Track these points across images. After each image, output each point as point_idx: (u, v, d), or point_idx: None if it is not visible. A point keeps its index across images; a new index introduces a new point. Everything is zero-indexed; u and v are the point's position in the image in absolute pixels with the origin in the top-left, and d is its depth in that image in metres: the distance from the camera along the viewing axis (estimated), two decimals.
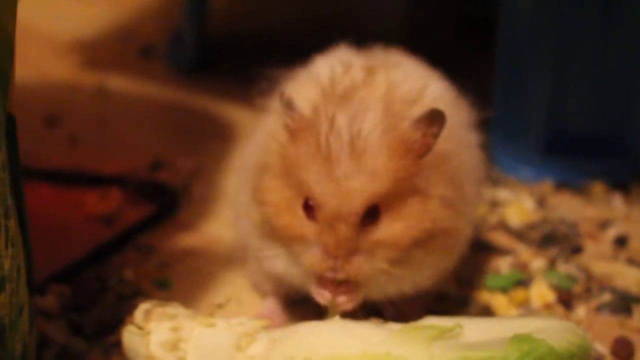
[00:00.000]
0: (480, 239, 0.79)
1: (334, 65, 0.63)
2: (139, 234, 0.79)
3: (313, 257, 0.58)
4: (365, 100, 0.59)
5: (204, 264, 0.76)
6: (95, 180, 0.86)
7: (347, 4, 1.38)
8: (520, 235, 0.80)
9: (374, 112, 0.57)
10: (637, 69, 0.89)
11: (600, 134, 0.90)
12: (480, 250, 0.77)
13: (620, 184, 0.89)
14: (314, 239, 0.57)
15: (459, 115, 0.66)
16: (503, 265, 0.75)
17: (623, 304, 0.69)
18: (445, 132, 0.59)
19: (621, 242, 0.79)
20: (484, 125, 0.69)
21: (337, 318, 0.56)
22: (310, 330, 0.55)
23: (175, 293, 0.71)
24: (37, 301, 0.65)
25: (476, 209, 0.69)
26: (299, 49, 0.67)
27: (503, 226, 0.82)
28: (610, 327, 0.67)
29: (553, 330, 0.54)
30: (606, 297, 0.71)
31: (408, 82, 0.62)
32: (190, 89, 1.10)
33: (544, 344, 0.52)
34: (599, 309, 0.69)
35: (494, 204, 0.85)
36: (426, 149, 0.57)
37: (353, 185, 0.56)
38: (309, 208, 0.58)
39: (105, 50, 1.23)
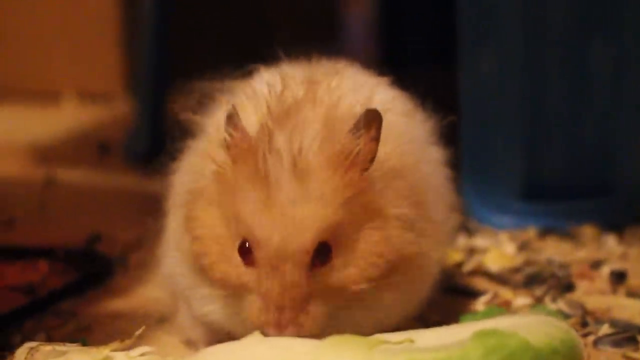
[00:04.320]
0: (454, 282, 0.68)
1: (275, 80, 0.54)
2: (60, 301, 0.69)
3: (251, 307, 0.47)
4: (307, 116, 0.50)
5: (130, 325, 0.64)
6: (20, 253, 0.77)
7: None
8: (501, 278, 0.69)
9: (313, 127, 0.49)
10: (617, 107, 0.81)
11: (585, 176, 0.81)
12: (454, 294, 0.66)
13: (613, 225, 0.78)
14: (255, 287, 0.47)
15: (414, 127, 0.57)
16: (480, 306, 0.64)
17: (626, 335, 0.58)
18: (398, 146, 0.52)
19: (619, 277, 0.68)
20: (455, 175, 0.61)
21: (257, 333, 0.44)
22: (222, 349, 0.43)
23: None
24: None
25: (446, 232, 0.59)
26: None
27: (481, 271, 0.71)
28: None
29: (529, 325, 0.42)
30: (605, 330, 0.59)
31: (352, 94, 0.53)
32: (142, 177, 1.03)
33: (515, 338, 0.40)
34: (597, 342, 0.58)
35: (471, 252, 0.74)
36: (370, 156, 0.49)
37: (300, 213, 0.46)
38: (246, 252, 0.47)
39: (60, 149, 1.20)
